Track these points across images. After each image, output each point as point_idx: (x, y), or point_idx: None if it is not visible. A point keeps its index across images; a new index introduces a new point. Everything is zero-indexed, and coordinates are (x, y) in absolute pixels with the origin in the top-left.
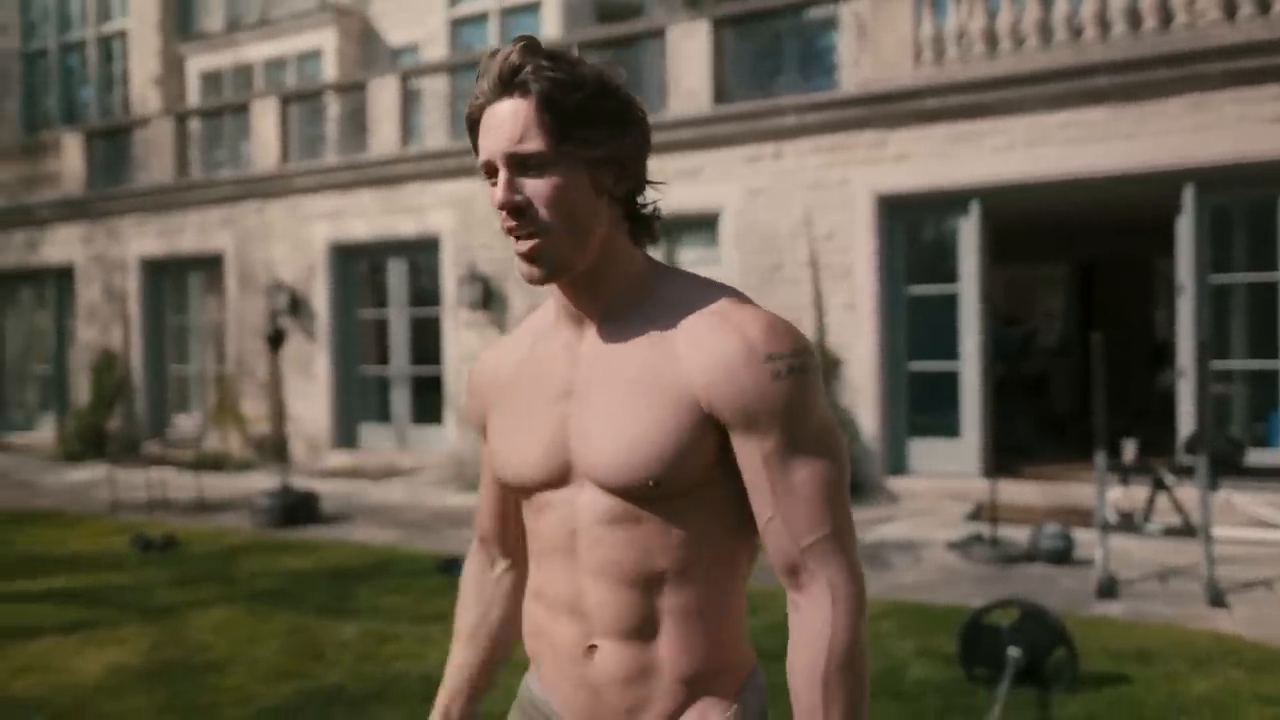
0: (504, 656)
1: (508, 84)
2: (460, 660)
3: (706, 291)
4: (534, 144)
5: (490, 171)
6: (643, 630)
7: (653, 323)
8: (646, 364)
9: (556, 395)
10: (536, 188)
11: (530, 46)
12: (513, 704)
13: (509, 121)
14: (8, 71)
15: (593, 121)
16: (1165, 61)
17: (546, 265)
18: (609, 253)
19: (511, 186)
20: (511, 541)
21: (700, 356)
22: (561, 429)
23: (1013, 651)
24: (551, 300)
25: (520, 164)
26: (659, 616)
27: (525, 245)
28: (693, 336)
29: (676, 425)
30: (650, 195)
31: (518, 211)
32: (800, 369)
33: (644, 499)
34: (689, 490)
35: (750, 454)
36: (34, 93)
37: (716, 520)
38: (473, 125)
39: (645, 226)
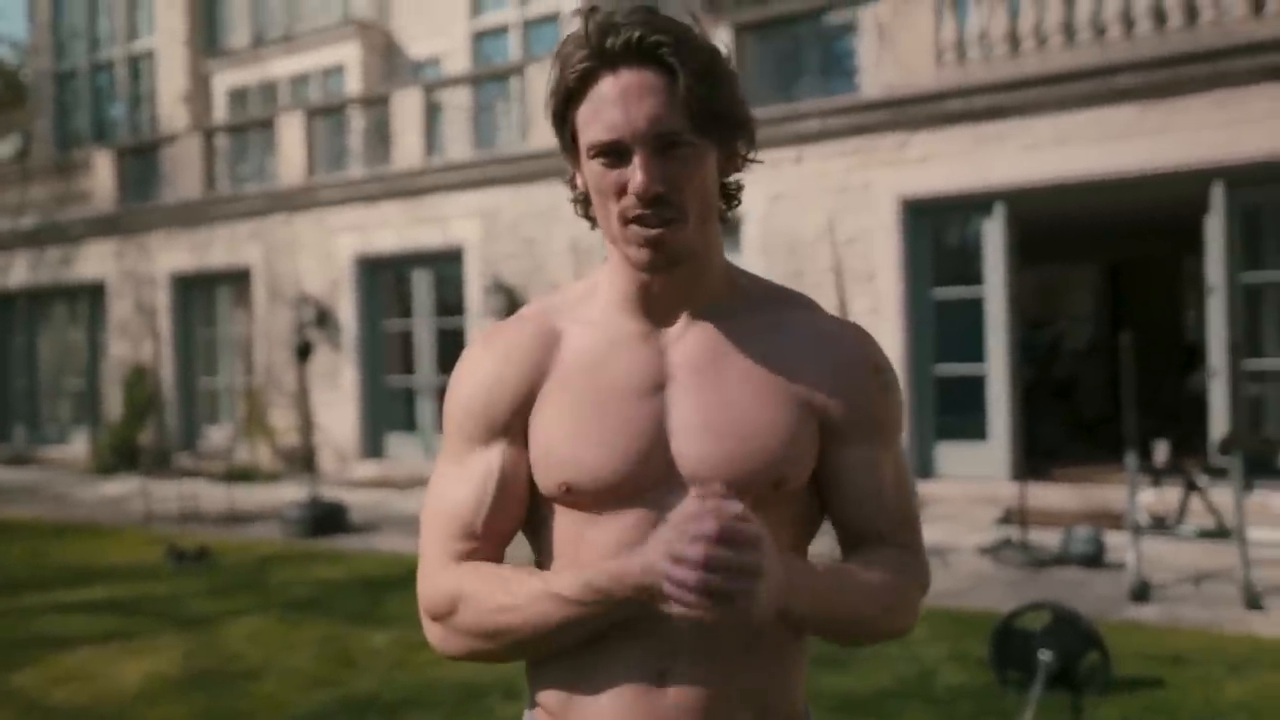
0: None
1: (642, 51)
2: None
3: (789, 293)
4: (680, 125)
5: (614, 153)
6: (730, 653)
7: (749, 319)
8: (755, 360)
9: (645, 389)
10: (676, 172)
11: (655, 14)
12: None
13: (650, 98)
14: (41, 91)
15: (726, 105)
16: (1192, 59)
17: (675, 254)
18: (713, 238)
19: (656, 172)
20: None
21: (811, 361)
22: (657, 424)
23: (1044, 655)
24: (594, 286)
25: (663, 147)
26: (749, 637)
27: (655, 233)
28: (800, 339)
29: (795, 423)
30: (738, 176)
31: (657, 199)
32: (895, 381)
33: (759, 499)
34: (793, 496)
35: (849, 460)
36: (66, 112)
37: (801, 527)
38: (568, 97)
39: (731, 205)
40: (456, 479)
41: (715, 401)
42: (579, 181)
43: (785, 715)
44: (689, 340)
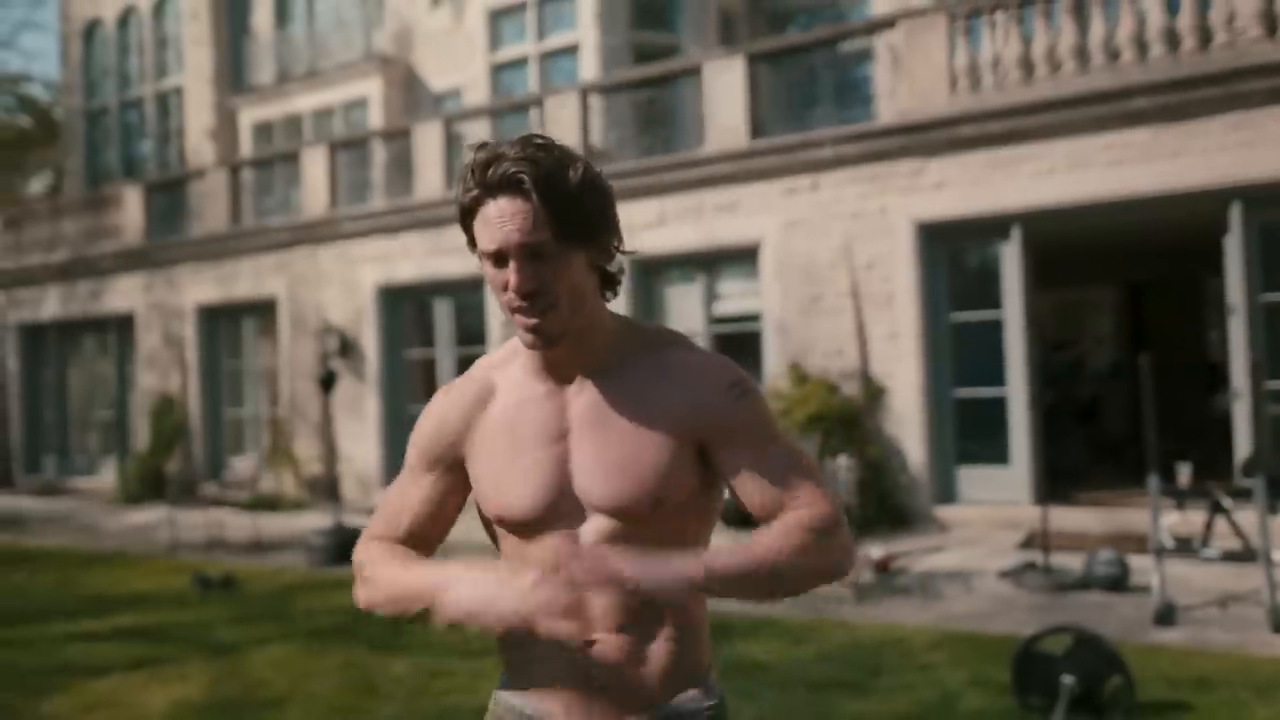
0: None
1: (510, 184)
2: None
3: (663, 338)
4: (544, 235)
5: (496, 259)
6: (640, 624)
7: (632, 370)
8: (636, 405)
9: (551, 438)
10: (546, 272)
11: (530, 145)
12: (486, 716)
13: (517, 217)
14: (72, 129)
15: (586, 214)
16: (1206, 81)
17: (550, 334)
18: (593, 315)
19: (526, 272)
20: (417, 551)
21: (679, 393)
22: (562, 466)
23: (1066, 679)
24: (514, 352)
25: (533, 254)
26: (654, 612)
27: (533, 320)
28: (669, 378)
29: (669, 453)
30: (617, 262)
31: (529, 294)
32: (751, 390)
33: (644, 519)
34: (676, 507)
35: (735, 461)
36: (96, 148)
37: (692, 524)
38: (466, 214)
39: (612, 285)
40: (406, 485)
41: (604, 446)
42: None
43: (689, 670)
44: (584, 397)
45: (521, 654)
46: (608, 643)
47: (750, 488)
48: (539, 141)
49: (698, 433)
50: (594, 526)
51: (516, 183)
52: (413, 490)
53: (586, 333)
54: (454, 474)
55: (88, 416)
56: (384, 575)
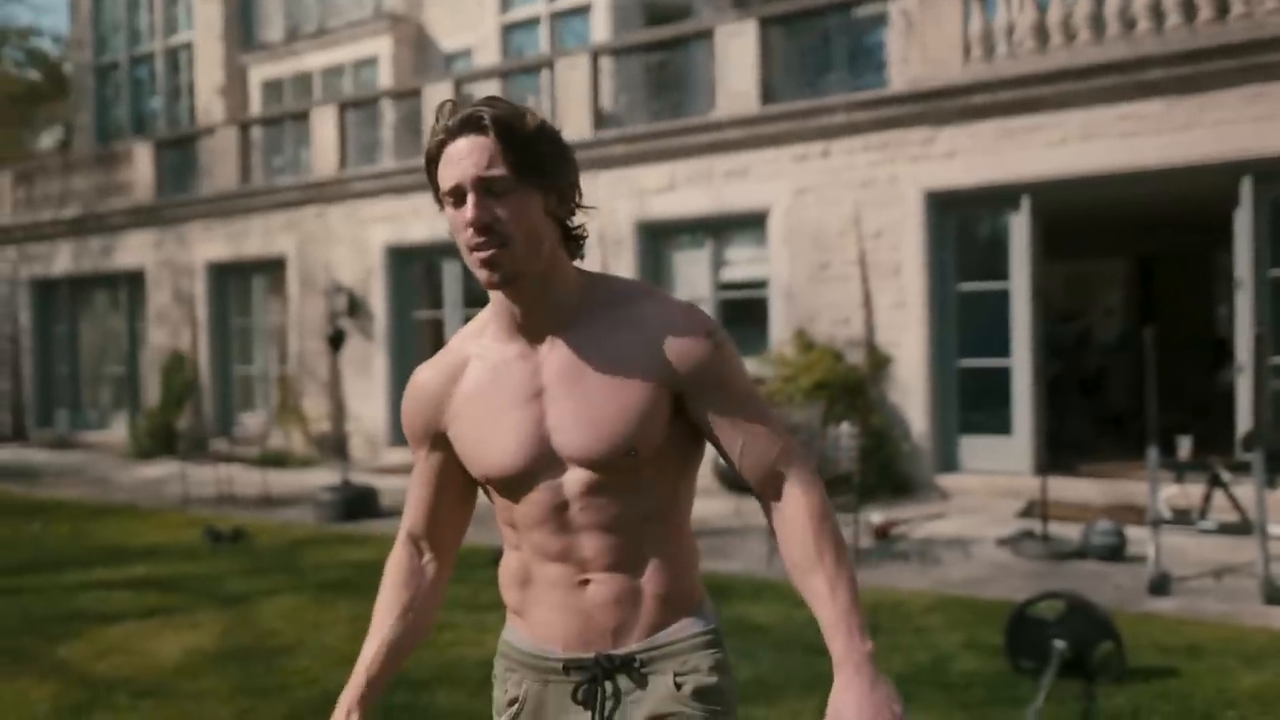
0: (423, 639)
1: (470, 124)
2: (386, 637)
3: (631, 290)
4: (499, 170)
5: (456, 196)
6: (629, 564)
7: (600, 322)
8: (607, 357)
9: (527, 397)
10: (501, 208)
11: (492, 99)
12: (495, 658)
13: (476, 153)
14: (82, 84)
15: (541, 156)
16: (1222, 52)
17: (504, 270)
18: (554, 264)
19: (482, 206)
20: (440, 540)
21: (653, 343)
22: (539, 424)
23: (1058, 644)
24: (486, 321)
25: (487, 188)
26: (642, 551)
27: (487, 253)
28: (641, 328)
29: (642, 401)
30: (580, 218)
31: (486, 227)
32: (725, 338)
33: (623, 468)
34: (655, 453)
35: (710, 406)
36: (106, 104)
37: (673, 469)
38: (431, 161)
39: (577, 245)
40: (415, 469)
41: (577, 401)
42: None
43: (680, 602)
44: (556, 354)
45: (520, 595)
46: (599, 581)
47: (730, 433)
48: (500, 100)
49: (674, 381)
50: (575, 478)
51: (476, 120)
52: (417, 472)
53: (548, 283)
54: (441, 449)
55: (99, 371)
56: (377, 606)
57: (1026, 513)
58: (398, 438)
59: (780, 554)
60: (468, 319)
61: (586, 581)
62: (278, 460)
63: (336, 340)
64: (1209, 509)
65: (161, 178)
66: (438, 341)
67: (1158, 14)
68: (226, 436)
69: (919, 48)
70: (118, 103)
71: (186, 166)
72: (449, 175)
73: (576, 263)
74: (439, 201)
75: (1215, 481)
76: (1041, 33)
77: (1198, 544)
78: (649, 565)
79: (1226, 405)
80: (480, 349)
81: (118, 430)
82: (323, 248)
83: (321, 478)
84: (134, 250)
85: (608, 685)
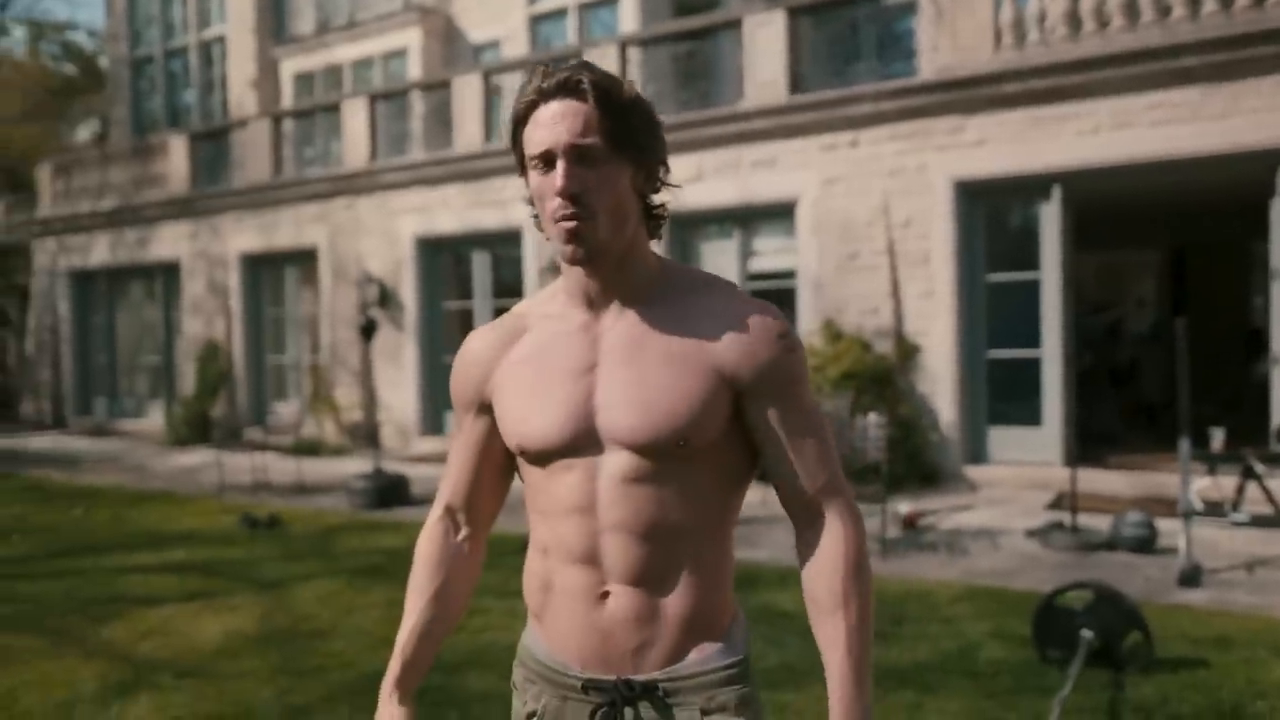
0: (458, 621)
1: (567, 87)
2: (421, 620)
3: (709, 281)
4: (595, 139)
5: (545, 161)
6: (654, 578)
7: (671, 306)
8: (672, 340)
9: (580, 370)
10: (592, 179)
11: (587, 64)
12: (514, 663)
13: (570, 118)
14: (118, 77)
15: (635, 128)
16: (1260, 39)
17: (588, 245)
18: (635, 243)
19: (573, 174)
20: (477, 512)
21: (725, 334)
22: (587, 399)
23: (1085, 633)
24: (556, 291)
25: (580, 156)
26: (670, 565)
27: (573, 224)
28: (713, 319)
29: (703, 391)
30: (662, 198)
31: (575, 198)
32: (798, 345)
33: (669, 458)
34: (706, 450)
35: (767, 414)
36: (141, 97)
37: (721, 479)
38: (518, 122)
39: (656, 224)
40: (455, 436)
41: (632, 379)
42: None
43: (707, 625)
44: (618, 329)
45: (541, 599)
46: (620, 595)
47: (781, 445)
48: (595, 66)
49: (738, 379)
50: (615, 462)
51: (574, 84)
52: (458, 441)
53: (627, 261)
54: (487, 415)
55: (136, 361)
56: (409, 584)
57: (1056, 504)
58: (429, 427)
59: (802, 578)
60: (497, 310)
61: (607, 594)
62: (311, 449)
63: (368, 330)
64: (1242, 501)
65: (196, 170)
66: (467, 331)
67: (1193, 0)
68: (261, 425)
69: (949, 35)
70: (152, 96)
71: (220, 159)
72: (539, 138)
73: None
74: (521, 165)
75: (1248, 473)
76: (1074, 20)
77: (1230, 536)
78: (678, 581)
79: (1261, 397)
80: (543, 316)
81: (154, 418)
82: (353, 239)
83: (354, 466)
84: (169, 242)
85: (628, 712)
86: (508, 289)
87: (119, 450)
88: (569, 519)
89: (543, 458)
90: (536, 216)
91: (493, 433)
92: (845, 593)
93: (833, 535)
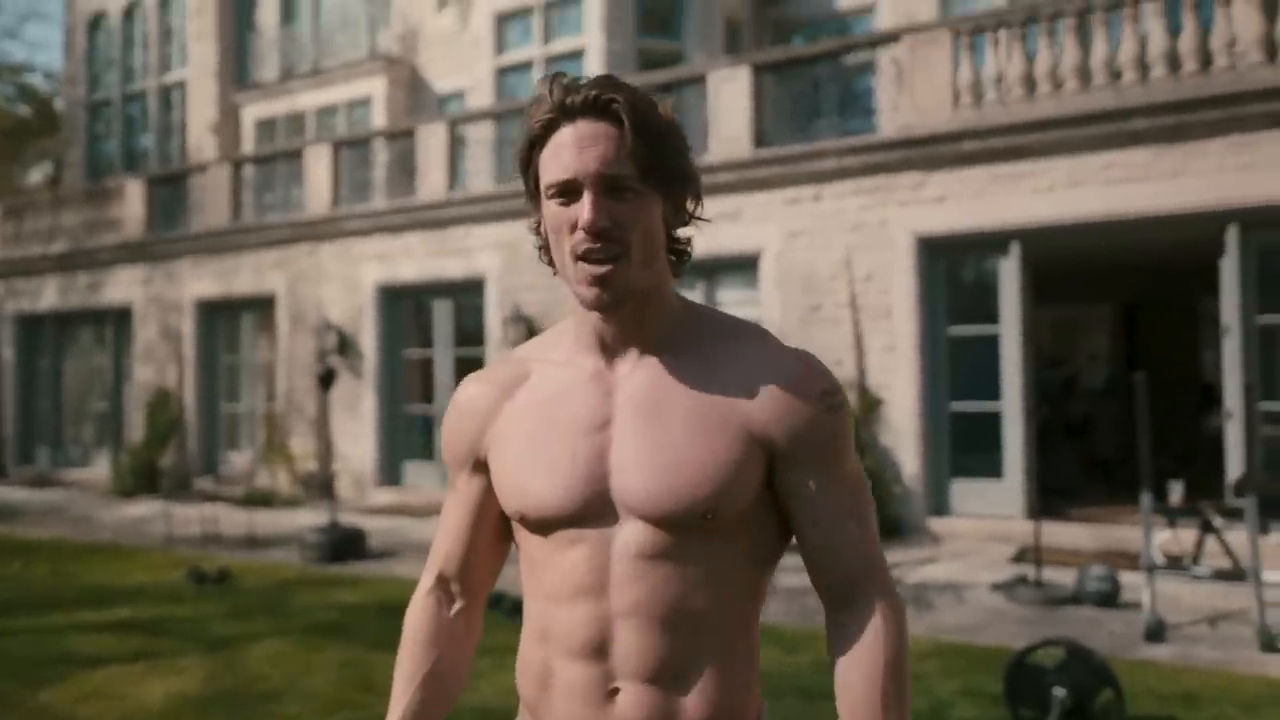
0: (452, 705)
1: (597, 107)
2: (410, 707)
3: (739, 327)
4: (627, 168)
5: (566, 192)
6: (672, 673)
7: (697, 355)
8: (698, 395)
9: (591, 425)
10: (622, 212)
11: (614, 80)
12: None
13: (602, 143)
14: (73, 120)
15: (670, 160)
16: (1206, 103)
17: (617, 290)
18: (659, 284)
19: (602, 208)
20: (472, 581)
21: (757, 391)
22: (599, 460)
23: (1058, 692)
24: (563, 332)
25: (610, 187)
26: (691, 658)
27: (602, 269)
28: (745, 371)
29: (732, 455)
30: (687, 232)
31: (604, 233)
32: (843, 404)
33: (692, 531)
34: (734, 523)
35: (803, 482)
36: (97, 140)
37: (750, 556)
38: (533, 143)
39: (679, 262)
40: (448, 498)
41: (652, 440)
42: (542, 228)
43: (734, 716)
44: (636, 379)
45: (537, 694)
46: (632, 693)
47: (815, 521)
48: (621, 80)
49: (772, 441)
50: (630, 536)
51: (605, 104)
52: (451, 501)
53: (650, 304)
54: (483, 474)
55: (82, 408)
56: (396, 666)
57: (1019, 557)
58: (386, 478)
59: (834, 670)
60: (458, 359)
61: (616, 691)
62: (263, 500)
63: (327, 379)
64: (1201, 555)
65: (152, 214)
66: (427, 380)
67: (1143, 65)
68: (211, 475)
69: (909, 95)
70: (109, 139)
71: (177, 203)
72: (561, 165)
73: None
74: (532, 192)
75: (1207, 527)
76: (1029, 81)
77: (1191, 590)
78: (699, 677)
79: (1213, 451)
80: (548, 361)
81: (100, 468)
82: (313, 285)
83: (307, 518)
84: (122, 286)
85: None
86: (469, 338)
87: (62, 501)
88: (574, 603)
89: (545, 526)
90: (542, 249)
91: (490, 492)
92: (884, 702)
93: (872, 632)
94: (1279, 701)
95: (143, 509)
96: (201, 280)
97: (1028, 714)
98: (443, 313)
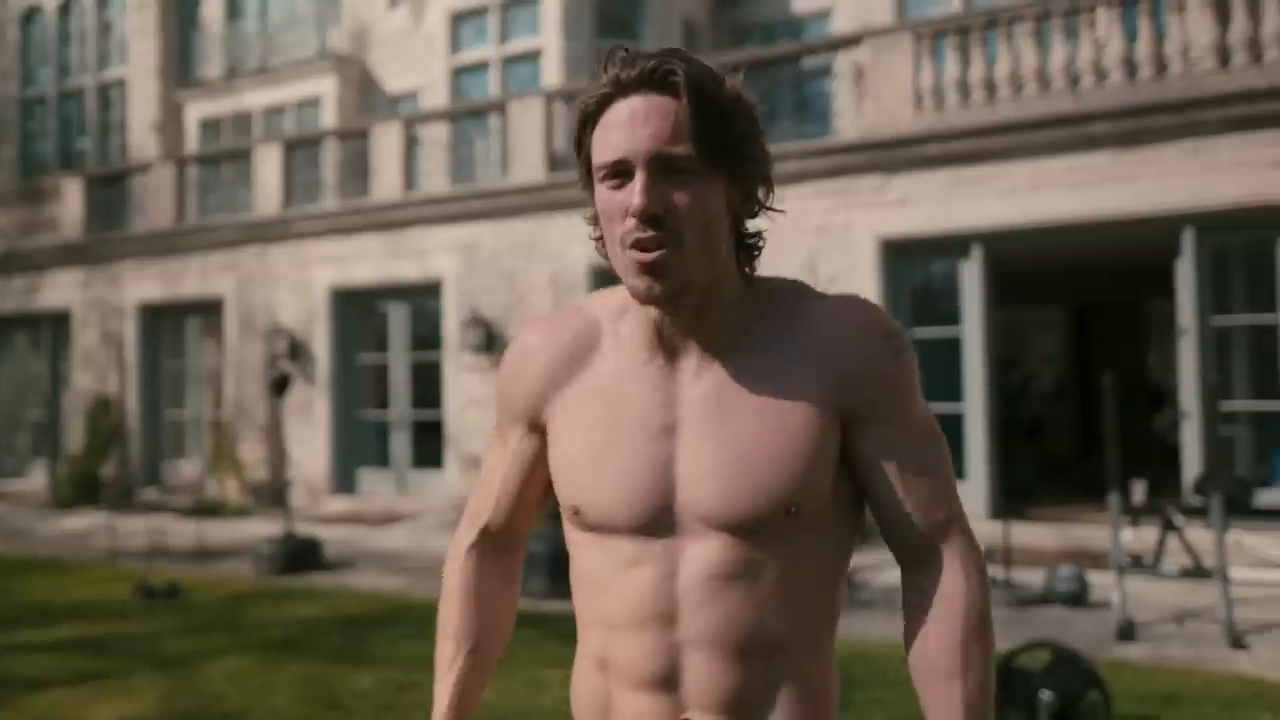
0: (496, 662)
1: (653, 79)
2: (461, 671)
3: (788, 288)
4: (685, 148)
5: (618, 173)
6: (749, 704)
7: (760, 339)
8: (767, 385)
9: (656, 430)
10: (677, 196)
11: (679, 51)
12: None
13: (657, 119)
14: (5, 118)
15: (736, 135)
16: (1162, 109)
17: (672, 281)
18: (723, 276)
19: (655, 191)
20: (516, 534)
21: (823, 351)
22: (665, 470)
23: (1045, 695)
24: (627, 304)
25: (665, 168)
26: (768, 687)
27: (652, 256)
28: (807, 333)
29: (809, 434)
30: (759, 223)
31: (656, 219)
32: (906, 344)
33: (772, 537)
34: (815, 517)
35: (877, 439)
36: (31, 138)
37: (829, 558)
38: (586, 120)
39: (749, 255)
40: (494, 448)
41: (724, 445)
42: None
43: None
44: (703, 381)
45: None
46: None
47: (890, 477)
48: (689, 53)
49: (843, 401)
50: (702, 553)
51: (663, 75)
52: (499, 453)
53: (711, 302)
54: (538, 437)
55: (18, 416)
56: (440, 627)
57: (986, 558)
58: (340, 485)
59: (906, 631)
60: (414, 364)
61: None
62: (211, 510)
63: (281, 385)
64: (1163, 553)
65: (91, 215)
66: (382, 386)
67: (1100, 71)
68: (156, 485)
69: (871, 98)
70: (43, 138)
71: (118, 204)
72: (613, 143)
73: None
74: (585, 176)
75: (1168, 526)
76: (990, 86)
77: (1156, 589)
78: (773, 707)
79: (1164, 450)
80: (615, 335)
81: (36, 478)
82: (263, 289)
83: (258, 528)
84: (60, 290)
85: None
86: (426, 342)
87: None
88: (639, 631)
89: (603, 527)
90: (599, 240)
91: (542, 457)
92: (966, 656)
93: (953, 585)
94: (1257, 699)
95: (84, 521)
96: (144, 283)
97: (1015, 718)
98: (398, 316)
